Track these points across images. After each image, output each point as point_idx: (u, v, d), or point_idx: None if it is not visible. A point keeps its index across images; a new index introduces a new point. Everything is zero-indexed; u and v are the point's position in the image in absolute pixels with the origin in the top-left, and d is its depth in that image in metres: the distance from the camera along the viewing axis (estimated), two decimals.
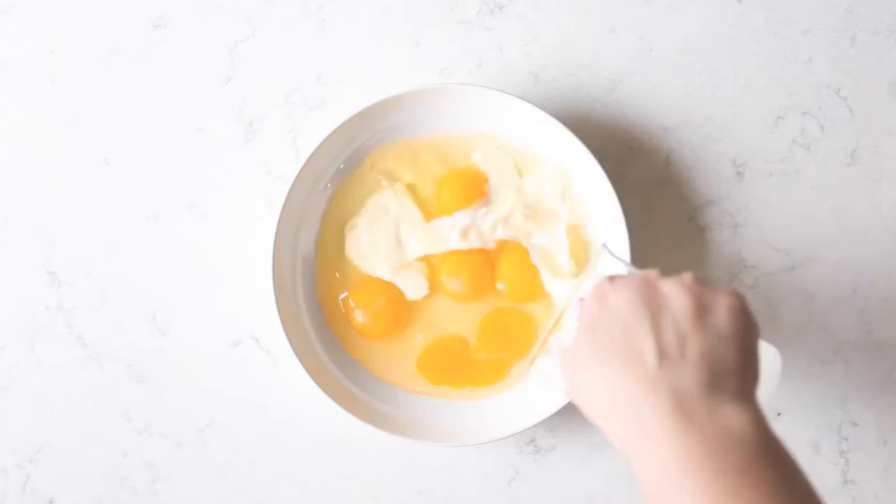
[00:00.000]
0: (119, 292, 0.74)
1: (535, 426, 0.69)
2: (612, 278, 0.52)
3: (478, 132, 0.71)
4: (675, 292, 0.49)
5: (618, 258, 0.60)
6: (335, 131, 0.68)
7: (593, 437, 0.73)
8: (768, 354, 0.60)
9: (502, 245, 0.71)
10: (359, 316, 0.71)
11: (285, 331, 0.67)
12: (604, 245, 0.60)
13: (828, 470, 0.73)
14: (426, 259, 0.71)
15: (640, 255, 0.71)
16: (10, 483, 0.74)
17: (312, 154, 0.68)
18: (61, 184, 0.74)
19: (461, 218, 0.70)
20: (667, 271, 0.52)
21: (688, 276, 0.50)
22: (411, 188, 0.71)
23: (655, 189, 0.74)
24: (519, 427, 0.68)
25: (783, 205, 0.74)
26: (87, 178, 0.74)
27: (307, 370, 0.67)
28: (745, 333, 0.49)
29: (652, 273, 0.51)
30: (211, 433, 0.73)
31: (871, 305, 0.74)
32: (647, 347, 0.47)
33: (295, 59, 0.74)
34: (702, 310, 0.48)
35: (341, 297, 0.71)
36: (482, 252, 0.71)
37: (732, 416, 0.45)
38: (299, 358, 0.67)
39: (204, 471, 0.73)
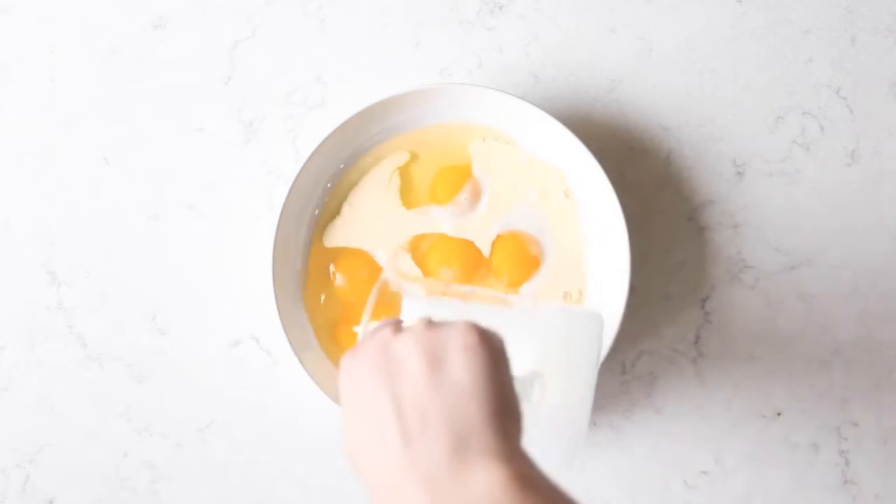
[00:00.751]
0: (119, 292, 0.74)
1: None
2: (353, 349, 0.48)
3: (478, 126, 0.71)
4: (406, 353, 0.46)
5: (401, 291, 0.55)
6: (335, 131, 0.68)
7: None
8: (588, 319, 0.56)
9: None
10: (339, 281, 0.71)
11: (285, 331, 0.67)
12: (383, 277, 0.54)
13: (828, 470, 0.73)
14: (415, 250, 0.71)
15: (641, 255, 0.71)
16: (10, 483, 0.74)
17: (312, 154, 0.68)
18: (61, 184, 0.74)
19: (453, 210, 0.71)
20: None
21: (419, 325, 0.47)
22: (406, 173, 0.71)
23: (655, 189, 0.74)
24: None
25: (783, 205, 0.74)
26: (87, 178, 0.74)
27: (307, 370, 0.67)
28: (486, 374, 0.45)
29: (386, 333, 0.47)
30: (211, 433, 0.73)
31: (871, 305, 0.74)
32: (390, 432, 0.44)
33: (295, 59, 0.74)
34: (435, 363, 0.45)
35: (330, 268, 0.71)
36: (470, 243, 0.71)
37: (480, 482, 0.41)
38: (299, 358, 0.67)
39: (204, 471, 0.73)
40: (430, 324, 0.47)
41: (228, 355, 0.73)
